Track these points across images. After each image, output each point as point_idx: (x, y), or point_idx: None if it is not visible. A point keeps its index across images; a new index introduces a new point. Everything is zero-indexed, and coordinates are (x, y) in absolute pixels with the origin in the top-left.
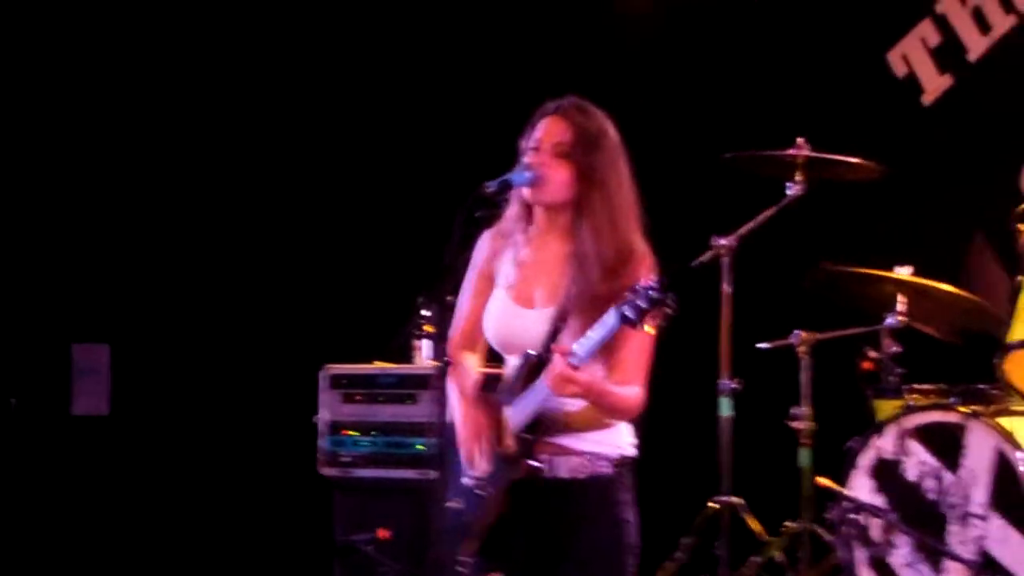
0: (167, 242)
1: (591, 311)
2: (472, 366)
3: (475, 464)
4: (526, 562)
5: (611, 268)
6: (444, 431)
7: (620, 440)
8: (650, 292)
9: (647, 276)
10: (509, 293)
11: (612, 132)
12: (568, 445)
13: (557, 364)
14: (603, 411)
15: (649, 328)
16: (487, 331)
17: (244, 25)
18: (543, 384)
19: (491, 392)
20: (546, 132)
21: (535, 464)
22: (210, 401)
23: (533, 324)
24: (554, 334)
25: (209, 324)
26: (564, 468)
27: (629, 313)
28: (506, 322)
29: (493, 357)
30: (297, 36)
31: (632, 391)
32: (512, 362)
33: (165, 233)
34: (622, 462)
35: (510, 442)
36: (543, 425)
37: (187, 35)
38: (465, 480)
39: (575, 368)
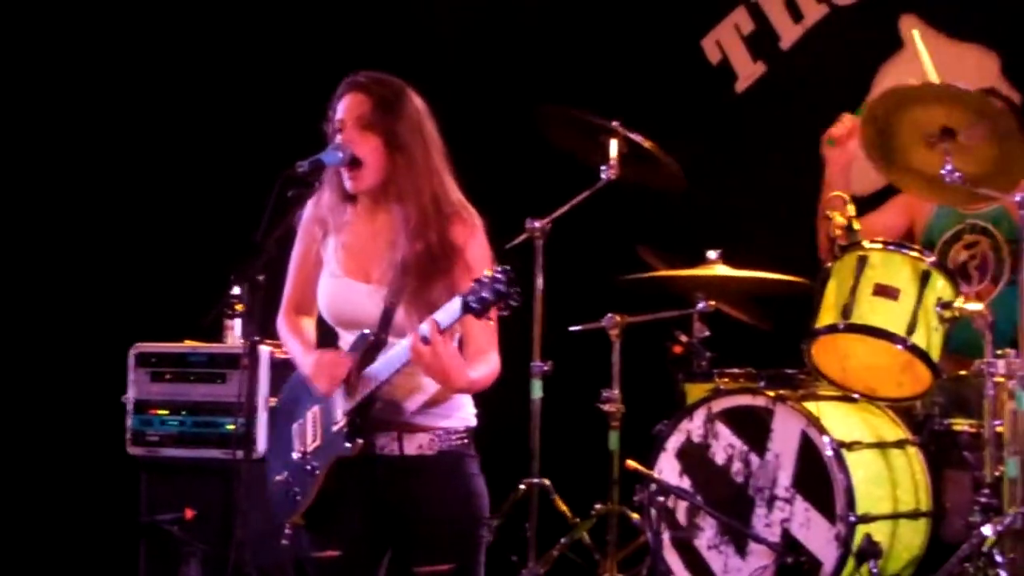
0: None
1: (420, 278)
2: (309, 332)
3: (307, 437)
4: (366, 539)
5: (424, 230)
6: (255, 411)
7: (465, 412)
8: (496, 285)
9: (493, 276)
10: (341, 270)
11: (413, 97)
12: (416, 422)
13: (426, 329)
14: (462, 388)
15: (491, 319)
16: (322, 309)
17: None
18: (402, 348)
19: None
20: (346, 108)
21: (369, 446)
22: (16, 379)
23: (368, 298)
24: (389, 313)
25: (16, 301)
26: (412, 445)
27: (473, 303)
28: (342, 297)
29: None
30: (102, 13)
31: (490, 359)
32: (347, 338)
33: None
34: (467, 433)
35: (343, 420)
36: (378, 402)
37: None
38: (294, 455)
39: (441, 335)
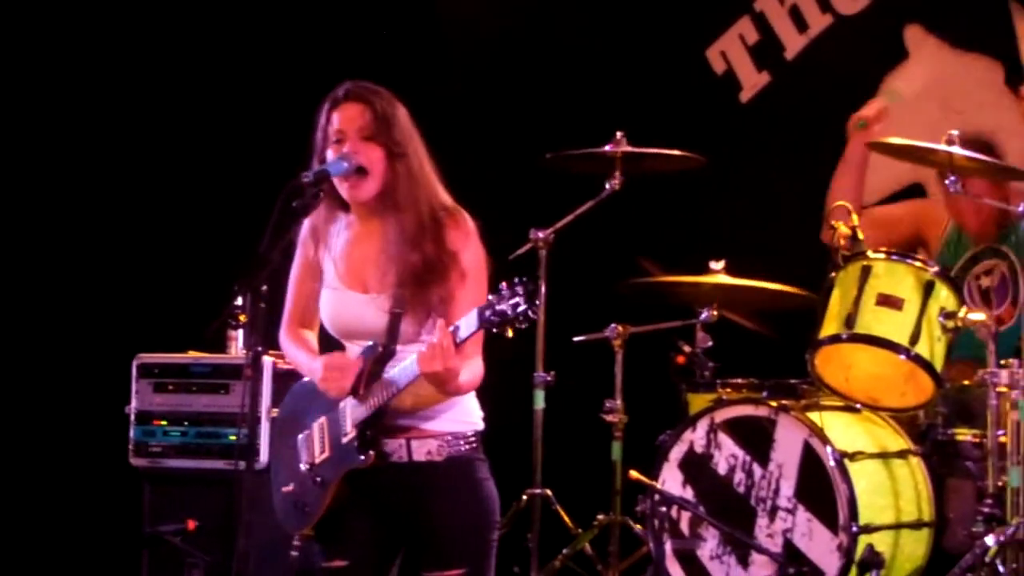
0: None
1: (418, 286)
2: (312, 343)
3: (315, 449)
4: (375, 547)
5: (421, 239)
6: (258, 421)
7: (471, 416)
8: (515, 299)
9: (511, 290)
10: (341, 281)
11: (401, 107)
12: (424, 427)
13: (442, 337)
14: (450, 392)
15: (509, 333)
16: (325, 323)
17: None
18: (411, 359)
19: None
20: (346, 119)
21: (382, 453)
22: (19, 390)
23: (368, 308)
24: (395, 322)
25: (20, 310)
26: (421, 451)
27: (491, 317)
28: (342, 309)
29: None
30: (110, 25)
31: (476, 365)
32: (353, 349)
33: None
34: (476, 437)
35: (353, 432)
36: (388, 414)
37: None
38: (301, 466)
39: (456, 346)
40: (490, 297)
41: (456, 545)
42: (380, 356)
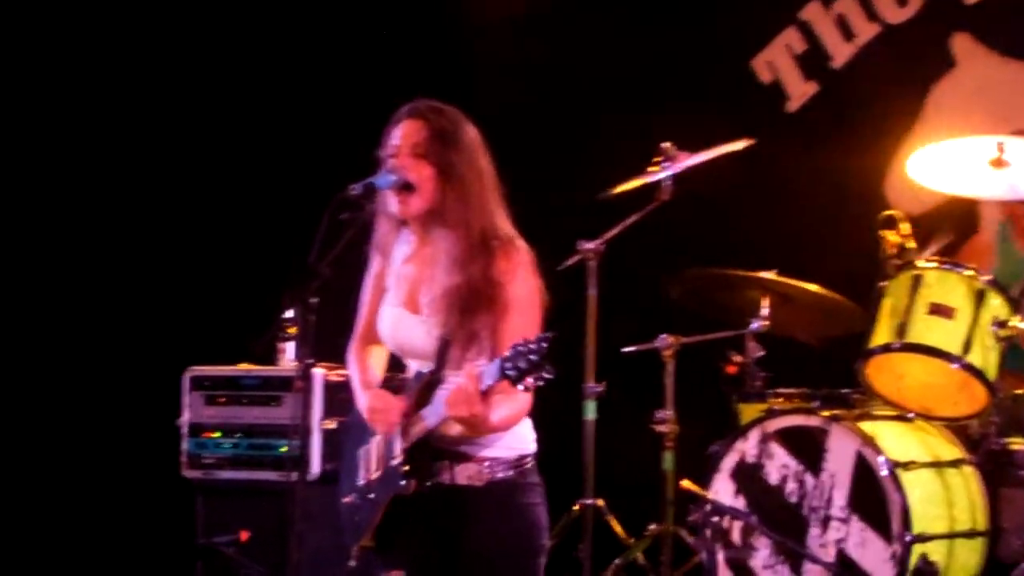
0: (28, 238)
1: (463, 312)
2: (376, 363)
3: (371, 466)
4: (429, 561)
5: (467, 263)
6: (309, 432)
7: (520, 441)
8: (531, 356)
9: (529, 346)
10: (397, 300)
11: (468, 128)
12: (467, 451)
13: (467, 383)
14: (482, 433)
15: (526, 388)
16: (382, 336)
17: (108, 20)
18: (439, 403)
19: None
20: (403, 135)
21: (423, 484)
22: (72, 402)
23: (419, 329)
24: (445, 349)
25: (72, 324)
26: (462, 475)
27: (510, 371)
28: (396, 329)
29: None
30: (165, 35)
31: (516, 402)
32: (412, 365)
33: (26, 228)
34: (521, 462)
35: (401, 457)
36: (433, 443)
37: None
38: (359, 480)
39: (481, 394)
40: (509, 351)
41: (496, 569)
42: (428, 382)
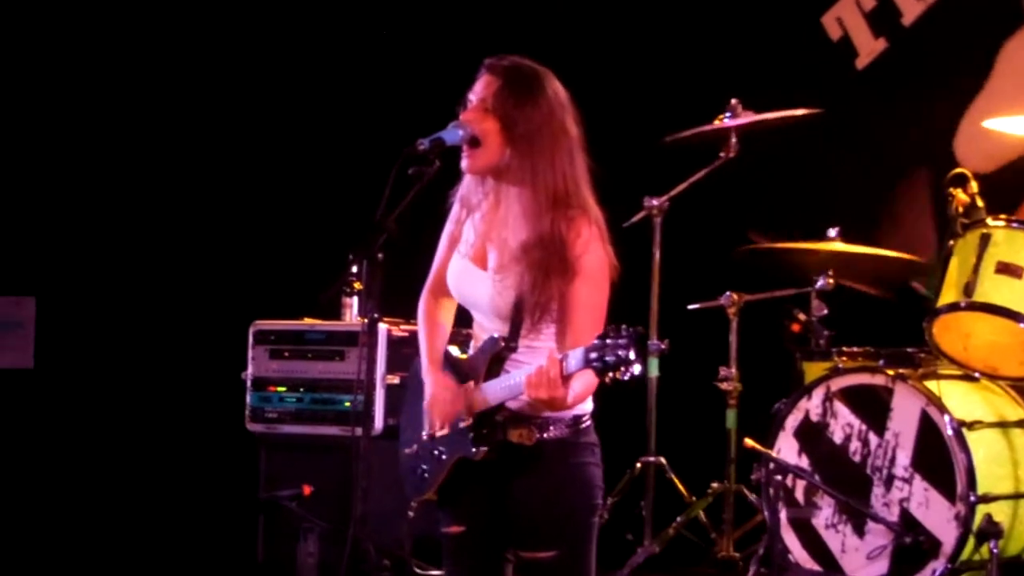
0: (95, 195)
1: (534, 273)
2: (446, 318)
3: (435, 425)
4: (489, 518)
5: (537, 221)
6: (373, 388)
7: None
8: (619, 350)
9: (618, 338)
10: (467, 250)
11: (550, 87)
12: (521, 410)
13: (550, 367)
14: (556, 410)
15: (610, 381)
16: (450, 287)
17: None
18: (519, 380)
19: (459, 358)
20: (477, 89)
21: (492, 451)
22: (137, 356)
23: (483, 285)
24: (518, 318)
25: (137, 278)
26: (515, 433)
27: (595, 363)
28: (461, 281)
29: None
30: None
31: (588, 377)
32: (478, 318)
33: (93, 186)
34: (578, 422)
35: (470, 420)
36: (504, 414)
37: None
38: (423, 434)
39: (564, 378)
40: (596, 341)
41: (545, 528)
42: (500, 352)
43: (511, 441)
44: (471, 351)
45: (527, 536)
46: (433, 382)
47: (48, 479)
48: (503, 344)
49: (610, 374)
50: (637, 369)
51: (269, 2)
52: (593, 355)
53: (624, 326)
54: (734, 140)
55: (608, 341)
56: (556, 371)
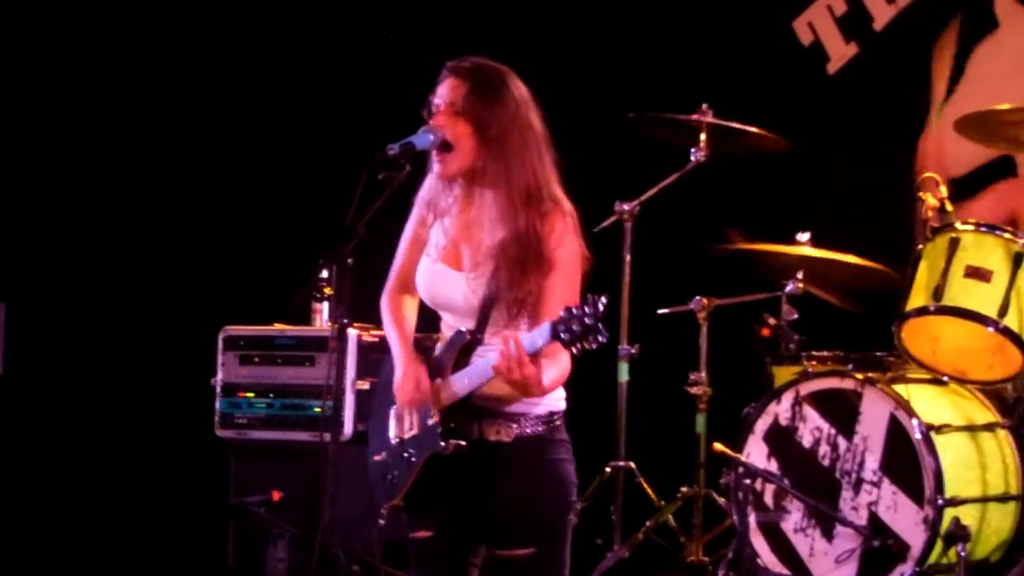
0: (65, 201)
1: (510, 270)
2: (410, 314)
3: (404, 424)
4: (459, 520)
5: (512, 220)
6: (343, 393)
7: (548, 397)
8: (586, 318)
9: (584, 308)
10: (437, 254)
11: (514, 87)
12: (496, 408)
13: (512, 348)
14: (536, 395)
15: (578, 352)
16: (419, 290)
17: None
18: (485, 366)
19: (426, 355)
20: (442, 93)
21: (461, 443)
22: (107, 362)
23: (457, 285)
24: (487, 310)
25: (107, 284)
26: (491, 431)
27: (563, 333)
28: (434, 282)
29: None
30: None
31: (563, 360)
32: (447, 319)
33: (62, 192)
34: (551, 419)
35: (438, 416)
36: (472, 405)
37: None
38: (392, 439)
39: (531, 356)
40: (562, 313)
41: (523, 525)
42: (467, 344)
43: (488, 440)
44: (437, 351)
45: (504, 534)
46: (402, 370)
47: (18, 486)
48: (469, 337)
49: (578, 344)
50: (603, 338)
51: (236, 11)
52: (561, 327)
53: (589, 295)
54: (703, 143)
55: (575, 312)
56: (518, 350)
